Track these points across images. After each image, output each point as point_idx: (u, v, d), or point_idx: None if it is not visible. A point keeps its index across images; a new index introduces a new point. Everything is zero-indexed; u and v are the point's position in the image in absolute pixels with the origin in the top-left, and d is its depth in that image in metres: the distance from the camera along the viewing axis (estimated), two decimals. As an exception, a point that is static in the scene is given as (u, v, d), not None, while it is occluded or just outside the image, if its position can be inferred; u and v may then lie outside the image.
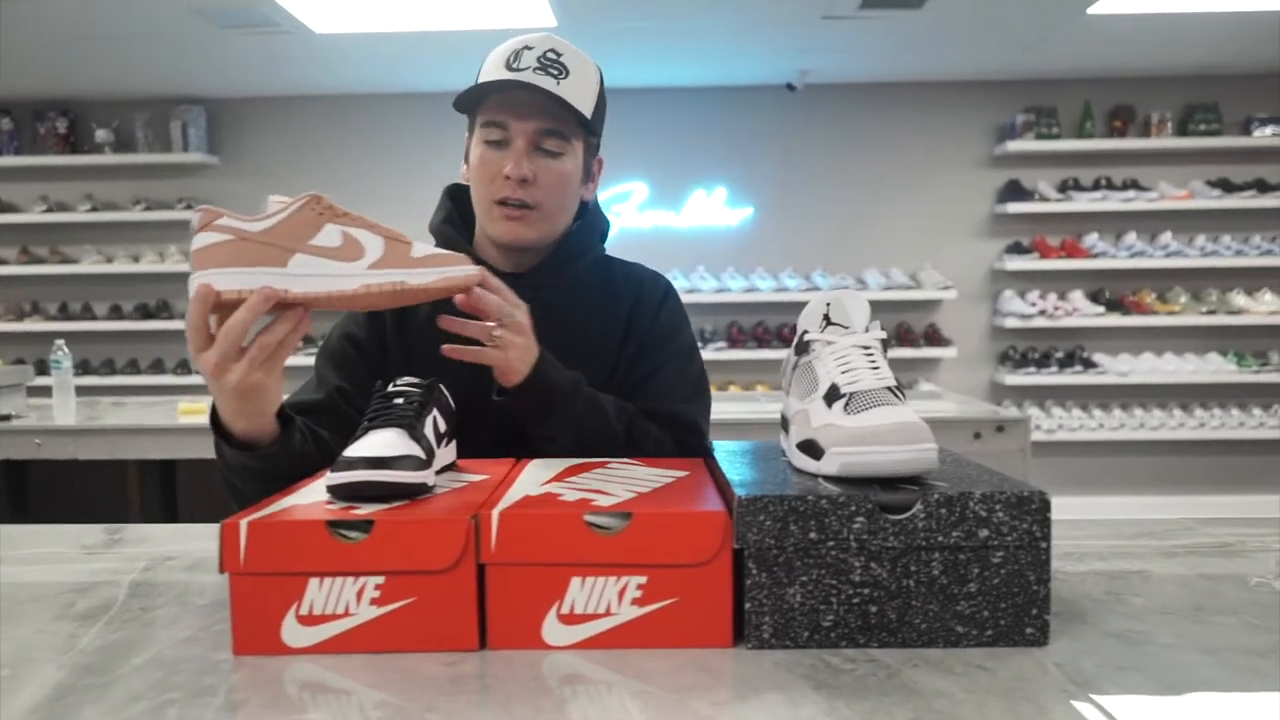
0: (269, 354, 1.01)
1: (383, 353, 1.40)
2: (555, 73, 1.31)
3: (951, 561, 0.85)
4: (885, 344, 1.03)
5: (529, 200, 1.33)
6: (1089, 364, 5.77)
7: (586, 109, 1.34)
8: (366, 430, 0.99)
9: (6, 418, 3.23)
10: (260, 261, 0.98)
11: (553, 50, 1.32)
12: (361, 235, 1.01)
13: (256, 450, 1.13)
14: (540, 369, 1.23)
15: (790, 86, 5.76)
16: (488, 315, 1.15)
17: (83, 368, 5.92)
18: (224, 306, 0.98)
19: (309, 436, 1.21)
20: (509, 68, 1.31)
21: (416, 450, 0.95)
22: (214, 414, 1.13)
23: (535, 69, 1.30)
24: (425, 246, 1.06)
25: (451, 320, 1.17)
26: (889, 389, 0.96)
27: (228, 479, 1.19)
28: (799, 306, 1.10)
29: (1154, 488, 5.91)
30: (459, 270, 1.05)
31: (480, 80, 1.34)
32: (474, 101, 1.34)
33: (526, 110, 1.32)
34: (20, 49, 4.82)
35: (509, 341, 1.18)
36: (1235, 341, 5.86)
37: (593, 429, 1.27)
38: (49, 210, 6.01)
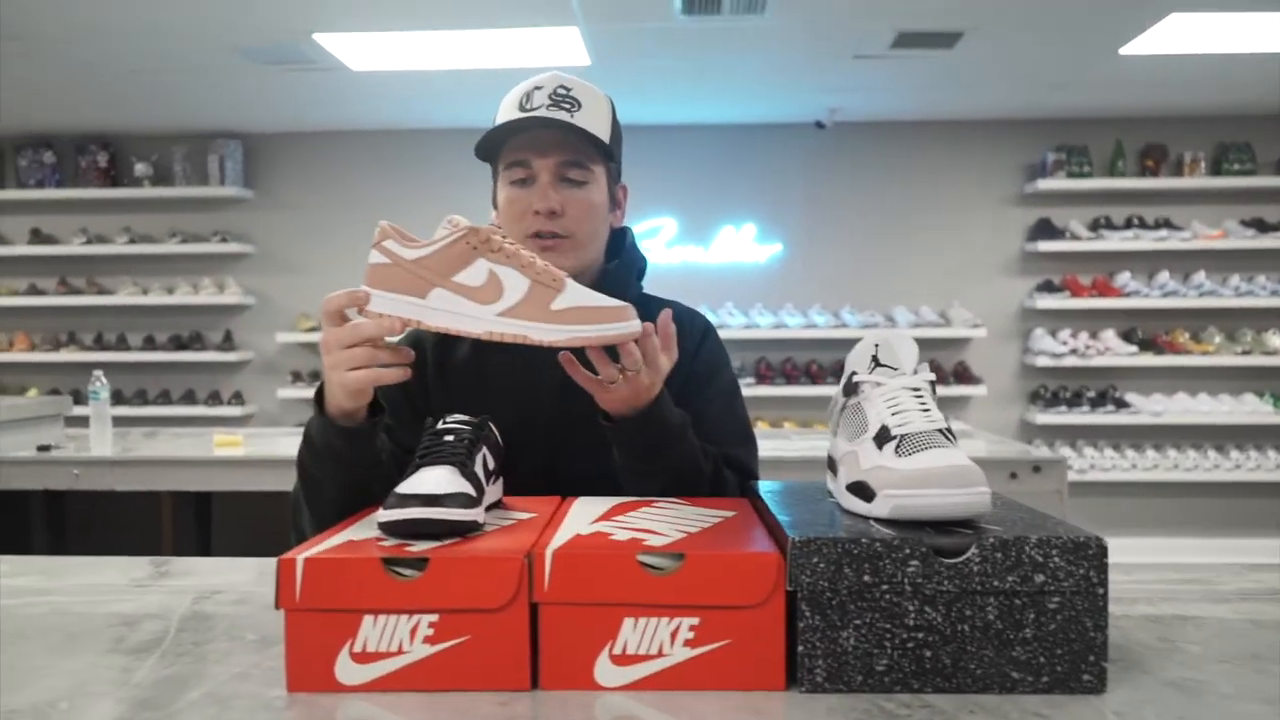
0: (364, 358, 1.09)
1: (424, 392, 1.42)
2: (568, 107, 1.33)
3: (1007, 606, 0.85)
4: (934, 385, 1.03)
5: (561, 231, 1.35)
6: (1121, 404, 5.72)
7: (604, 136, 1.37)
8: (418, 467, 0.99)
9: (46, 448, 3.27)
10: (405, 289, 1.04)
11: (562, 87, 1.35)
12: (507, 275, 1.03)
13: (345, 428, 1.17)
14: (656, 405, 1.21)
15: (819, 124, 5.79)
16: (622, 359, 1.13)
17: (116, 398, 5.97)
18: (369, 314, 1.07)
19: (386, 445, 1.25)
20: (522, 109, 1.34)
21: (468, 488, 0.96)
22: (319, 394, 1.19)
23: (548, 106, 1.33)
24: (577, 294, 1.05)
25: (571, 363, 1.16)
26: (940, 431, 0.96)
27: (305, 469, 1.24)
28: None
29: (1188, 530, 5.82)
30: (596, 330, 1.03)
31: (496, 125, 1.36)
32: (494, 146, 1.37)
33: (546, 145, 1.34)
34: (64, 84, 4.93)
35: (618, 394, 1.16)
36: (1271, 383, 5.79)
37: (689, 472, 1.26)
38: (88, 242, 6.11)
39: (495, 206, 1.43)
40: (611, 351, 1.12)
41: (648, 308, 1.48)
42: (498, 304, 1.03)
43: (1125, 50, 4.42)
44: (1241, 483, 5.70)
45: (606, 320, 1.04)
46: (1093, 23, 4.07)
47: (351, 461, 1.18)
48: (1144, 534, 5.78)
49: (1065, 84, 5.07)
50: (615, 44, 4.34)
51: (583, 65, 4.52)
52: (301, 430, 1.26)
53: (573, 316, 1.03)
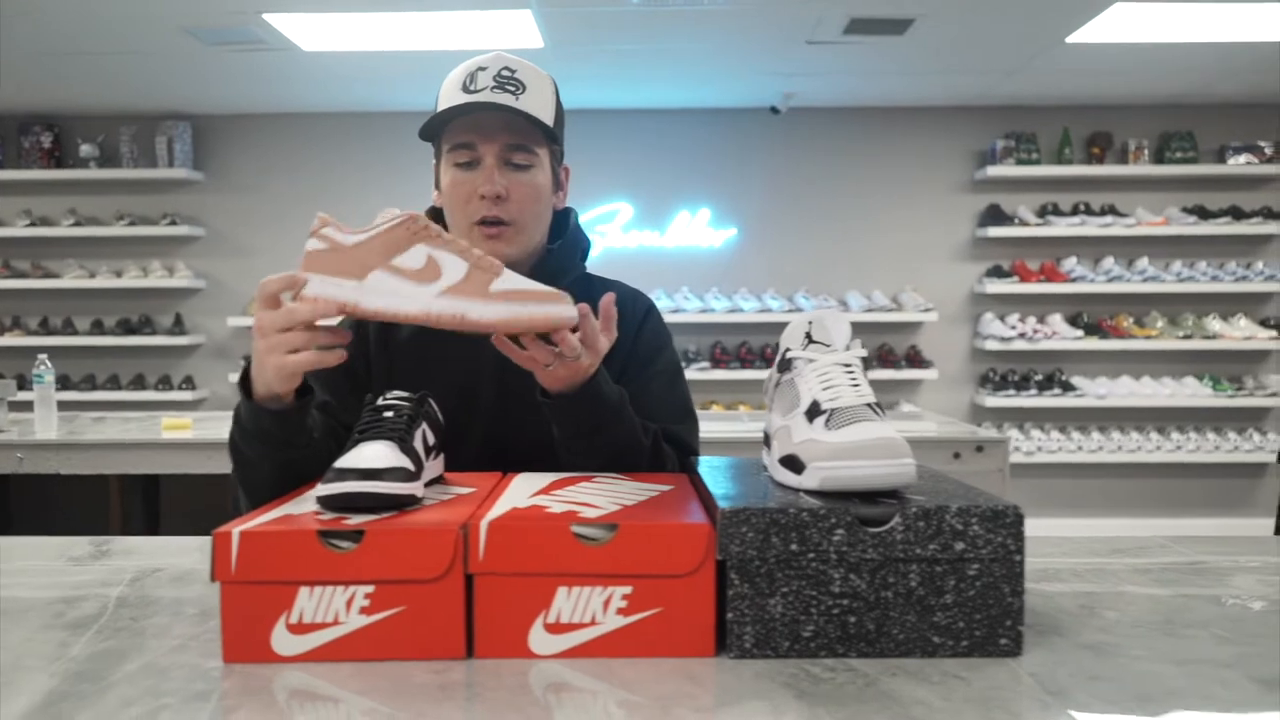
0: (299, 341, 1.07)
1: (366, 369, 1.42)
2: (513, 89, 1.34)
3: (928, 573, 0.88)
4: (865, 362, 1.06)
5: (505, 217, 1.36)
6: (1067, 387, 5.83)
7: (548, 119, 1.37)
8: (357, 442, 1.00)
9: (-12, 432, 3.22)
10: (343, 272, 1.04)
11: (506, 68, 1.35)
12: (446, 259, 1.04)
13: (275, 410, 1.16)
14: (593, 382, 1.22)
15: (774, 109, 5.81)
16: (559, 345, 1.13)
17: (63, 383, 5.88)
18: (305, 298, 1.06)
19: (318, 422, 1.25)
20: (466, 90, 1.33)
21: (406, 463, 0.97)
22: (244, 378, 1.17)
23: (493, 88, 1.33)
24: (515, 279, 1.05)
25: (504, 343, 1.14)
26: (868, 405, 0.98)
27: (238, 451, 1.23)
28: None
29: (1131, 510, 5.96)
30: (534, 308, 1.04)
31: (439, 106, 1.36)
32: (439, 128, 1.37)
33: (491, 128, 1.34)
34: (6, 63, 4.82)
35: (556, 373, 1.17)
36: (1211, 366, 5.93)
37: (628, 447, 1.27)
38: (32, 224, 5.99)
39: (438, 188, 1.43)
40: (547, 337, 1.13)
41: (591, 288, 1.50)
42: (436, 284, 1.03)
43: (1072, 39, 4.49)
44: (1183, 464, 5.84)
45: (541, 300, 1.05)
46: (1040, 10, 4.13)
47: (283, 443, 1.18)
48: (1089, 514, 5.91)
49: (1014, 71, 5.14)
50: (569, 27, 4.33)
51: (536, 48, 4.51)
52: None
53: (510, 296, 1.04)
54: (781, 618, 0.87)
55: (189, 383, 6.06)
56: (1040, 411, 5.94)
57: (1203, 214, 5.82)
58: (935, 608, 0.88)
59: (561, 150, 1.46)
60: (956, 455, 2.93)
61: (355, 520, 0.89)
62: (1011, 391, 5.83)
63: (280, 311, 1.07)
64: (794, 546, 0.87)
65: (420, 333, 1.41)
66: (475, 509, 0.94)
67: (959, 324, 6.07)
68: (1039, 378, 5.88)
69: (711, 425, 3.57)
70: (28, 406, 3.55)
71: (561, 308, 1.07)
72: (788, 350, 1.07)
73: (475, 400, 1.36)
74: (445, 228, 1.42)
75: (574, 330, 1.11)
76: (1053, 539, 1.34)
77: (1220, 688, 0.82)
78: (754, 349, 5.96)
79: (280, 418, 1.16)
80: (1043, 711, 0.77)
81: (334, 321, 1.15)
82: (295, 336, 1.07)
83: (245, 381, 1.17)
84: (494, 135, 1.35)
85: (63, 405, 3.62)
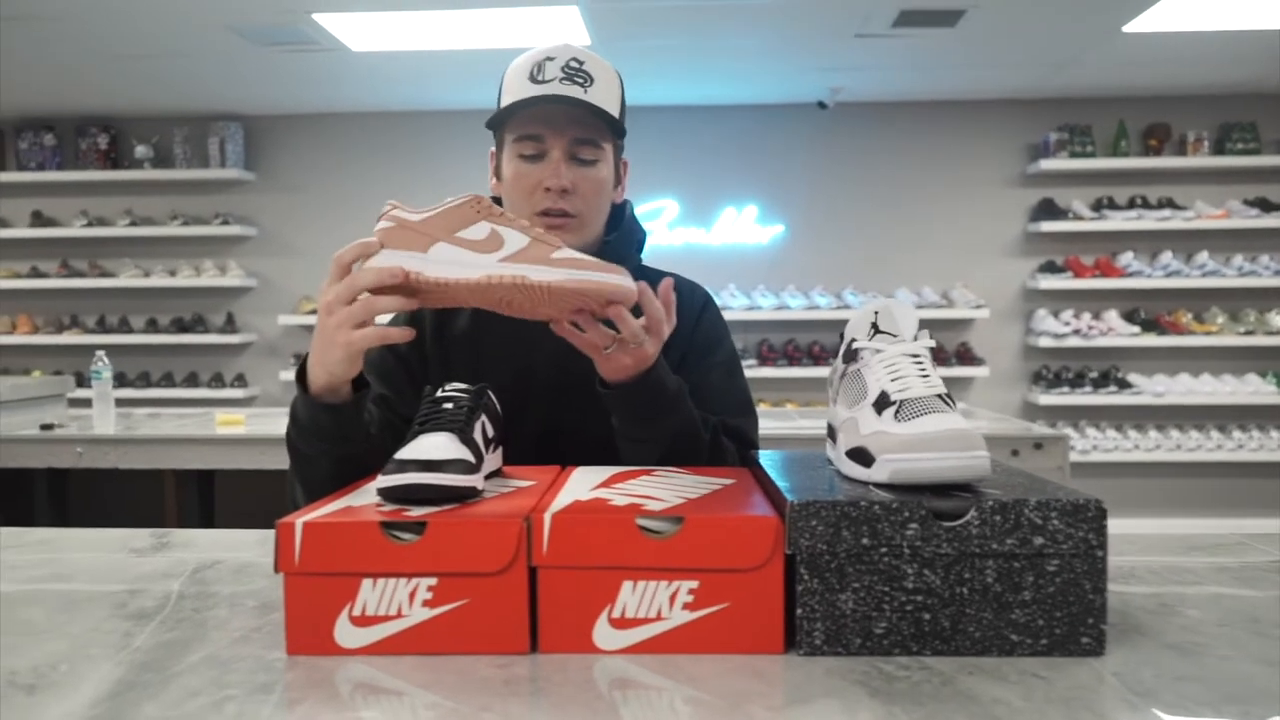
0: (364, 312, 1.06)
1: (422, 362, 1.42)
2: (581, 81, 1.32)
3: (1005, 569, 0.85)
4: (933, 352, 1.03)
5: (570, 209, 1.34)
6: (1124, 384, 5.71)
7: (614, 112, 1.36)
8: (417, 434, 0.99)
9: (49, 427, 3.27)
10: (408, 246, 1.05)
11: (574, 59, 1.33)
12: (508, 233, 1.06)
13: (331, 404, 1.15)
14: (653, 370, 1.21)
15: (822, 104, 5.76)
16: (620, 330, 1.13)
17: (119, 380, 5.98)
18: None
19: (374, 417, 1.24)
20: (534, 80, 1.32)
21: (467, 454, 0.96)
22: (301, 373, 1.17)
23: (562, 79, 1.31)
24: (574, 252, 1.07)
25: (564, 328, 1.15)
26: (939, 396, 0.95)
27: (295, 448, 1.22)
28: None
29: (1191, 510, 5.82)
30: (594, 275, 1.05)
31: (504, 95, 1.35)
32: (506, 117, 1.35)
33: (560, 122, 1.33)
34: (64, 66, 4.91)
35: (618, 361, 1.17)
36: (1274, 363, 5.78)
37: (687, 438, 1.26)
38: (89, 225, 6.10)
39: (497, 177, 1.42)
40: (608, 321, 1.13)
41: (647, 279, 1.48)
42: (498, 252, 1.04)
43: (1128, 28, 4.39)
44: (1244, 463, 5.70)
45: (604, 271, 1.06)
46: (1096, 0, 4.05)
47: (340, 438, 1.17)
48: (1146, 514, 5.78)
49: (1068, 63, 5.04)
50: (616, 23, 4.31)
51: (583, 45, 4.50)
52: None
53: (571, 264, 1.05)
54: (853, 614, 0.85)
55: (241, 380, 6.14)
56: (1096, 410, 5.82)
57: (1265, 206, 5.67)
58: (1013, 605, 0.84)
59: (623, 145, 1.44)
60: (1015, 453, 2.87)
61: (417, 512, 0.88)
62: (1066, 389, 5.72)
63: (343, 282, 1.06)
64: (865, 541, 0.84)
65: (476, 325, 1.40)
66: (537, 501, 0.93)
67: (1011, 321, 5.97)
68: (1094, 375, 5.76)
69: (760, 422, 3.53)
70: (86, 403, 3.61)
71: (622, 279, 1.07)
72: (853, 340, 1.04)
73: (531, 392, 1.35)
74: None
75: (636, 314, 1.10)
76: (1125, 536, 1.30)
77: (1317, 690, 0.78)
78: (801, 346, 5.91)
79: (336, 412, 1.16)
80: (1130, 712, 0.74)
81: (389, 318, 1.15)
82: (360, 308, 1.06)
83: (301, 378, 1.17)
84: (563, 129, 1.33)
85: (118, 402, 3.68)
